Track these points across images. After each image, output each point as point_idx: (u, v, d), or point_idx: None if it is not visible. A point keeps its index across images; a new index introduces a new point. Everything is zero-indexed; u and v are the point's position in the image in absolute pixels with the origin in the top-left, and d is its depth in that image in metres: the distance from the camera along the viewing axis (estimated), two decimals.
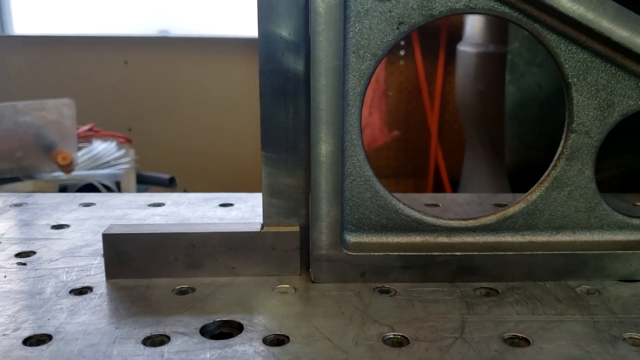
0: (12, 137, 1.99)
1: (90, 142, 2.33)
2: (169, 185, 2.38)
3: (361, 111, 0.66)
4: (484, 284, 0.67)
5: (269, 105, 0.65)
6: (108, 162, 2.25)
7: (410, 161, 3.21)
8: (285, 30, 0.63)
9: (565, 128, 0.69)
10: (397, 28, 0.63)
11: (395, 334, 0.56)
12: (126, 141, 2.45)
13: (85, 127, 2.33)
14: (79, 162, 2.17)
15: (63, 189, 2.06)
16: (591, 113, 0.67)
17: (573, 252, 0.68)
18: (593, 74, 0.66)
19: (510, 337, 0.56)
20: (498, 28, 1.64)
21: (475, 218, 0.70)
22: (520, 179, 1.49)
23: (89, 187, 2.13)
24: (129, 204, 0.95)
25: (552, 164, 0.69)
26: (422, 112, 3.08)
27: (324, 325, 0.58)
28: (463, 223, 0.69)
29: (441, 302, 0.63)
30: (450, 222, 0.69)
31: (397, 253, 0.67)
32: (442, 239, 0.69)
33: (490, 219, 0.69)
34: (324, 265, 0.67)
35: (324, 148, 0.64)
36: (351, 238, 0.69)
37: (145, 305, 0.62)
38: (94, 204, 0.95)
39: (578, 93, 0.67)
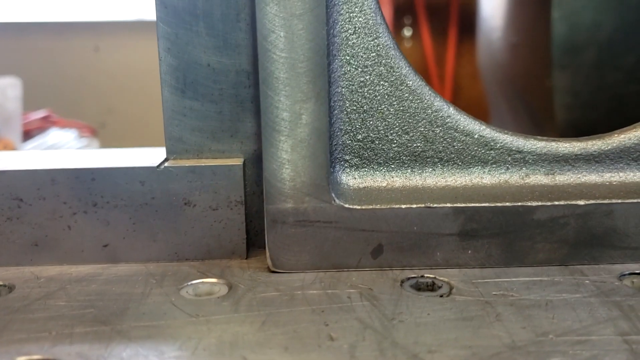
0: None
1: (45, 131, 1.98)
2: None
3: None
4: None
5: None
6: None
7: None
8: None
9: None
10: None
11: None
12: (90, 132, 2.10)
13: (40, 114, 1.98)
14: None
15: None
16: None
17: None
18: None
19: None
20: None
21: (601, 137, 0.34)
22: None
23: None
24: None
25: None
26: None
27: None
28: (581, 146, 0.34)
29: (560, 308, 0.27)
30: (556, 144, 0.34)
31: (449, 205, 0.31)
32: (540, 178, 0.34)
33: (633, 136, 0.34)
34: (292, 235, 0.31)
35: None
36: (350, 178, 0.33)
37: None
38: None
39: None
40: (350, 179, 0.33)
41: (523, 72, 1.38)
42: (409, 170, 0.34)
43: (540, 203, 0.32)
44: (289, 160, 0.31)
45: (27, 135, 1.93)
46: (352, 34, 0.32)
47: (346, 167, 0.34)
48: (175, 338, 0.25)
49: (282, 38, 0.29)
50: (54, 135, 1.95)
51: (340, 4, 0.32)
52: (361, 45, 0.32)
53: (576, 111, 1.14)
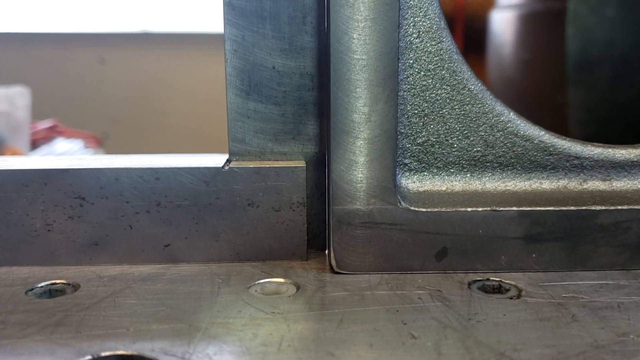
0: None
1: (51, 140, 1.98)
2: None
3: None
4: None
5: None
6: None
7: None
8: None
9: None
10: None
11: None
12: (95, 142, 2.10)
13: (46, 124, 1.98)
14: None
15: None
16: None
17: None
18: None
19: None
20: None
21: None
22: None
23: None
24: None
25: None
26: None
27: None
28: (637, 153, 0.34)
29: (633, 310, 0.27)
30: (613, 150, 0.34)
31: (515, 208, 0.31)
32: (597, 183, 0.34)
33: None
34: (358, 236, 0.31)
35: None
36: (409, 182, 0.34)
37: None
38: None
39: None
40: (410, 183, 0.34)
41: (535, 89, 1.39)
42: (468, 175, 0.34)
43: (603, 207, 0.32)
44: (356, 162, 0.31)
45: (33, 145, 1.93)
46: (416, 38, 0.32)
47: (405, 170, 0.34)
48: (256, 334, 0.25)
49: (354, 40, 0.30)
50: (60, 145, 1.95)
51: (404, 8, 0.32)
52: (424, 49, 0.33)
53: (592, 126, 1.15)
